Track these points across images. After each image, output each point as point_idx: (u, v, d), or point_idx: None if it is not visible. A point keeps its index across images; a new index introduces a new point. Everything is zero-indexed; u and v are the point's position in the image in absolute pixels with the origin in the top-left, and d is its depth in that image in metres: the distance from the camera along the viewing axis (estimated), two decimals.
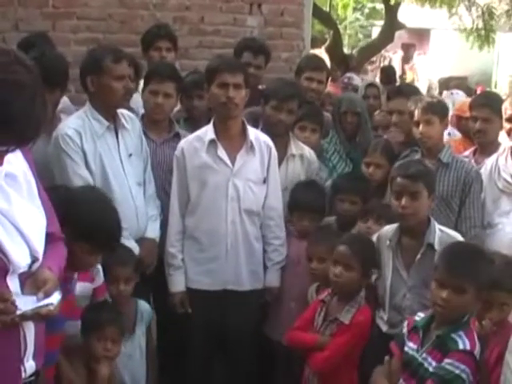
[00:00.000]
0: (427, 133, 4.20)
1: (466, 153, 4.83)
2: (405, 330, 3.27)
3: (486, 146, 4.67)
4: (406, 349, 3.20)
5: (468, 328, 3.07)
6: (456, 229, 3.96)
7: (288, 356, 4.01)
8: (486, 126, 4.61)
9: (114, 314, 3.59)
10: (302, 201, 4.23)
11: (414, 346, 3.16)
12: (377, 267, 3.81)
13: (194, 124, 4.67)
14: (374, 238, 3.86)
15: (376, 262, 3.79)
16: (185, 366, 4.24)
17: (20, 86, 2.16)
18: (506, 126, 4.29)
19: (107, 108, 4.02)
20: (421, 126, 4.21)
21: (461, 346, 2.98)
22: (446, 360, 2.97)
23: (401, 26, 15.27)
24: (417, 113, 4.25)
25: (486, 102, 4.68)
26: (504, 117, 4.32)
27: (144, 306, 3.99)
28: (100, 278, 3.70)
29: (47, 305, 2.32)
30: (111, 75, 3.95)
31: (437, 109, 4.25)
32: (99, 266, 3.70)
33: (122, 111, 4.13)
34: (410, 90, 5.08)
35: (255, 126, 4.38)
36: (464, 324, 3.07)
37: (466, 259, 3.10)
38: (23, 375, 2.43)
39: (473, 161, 4.61)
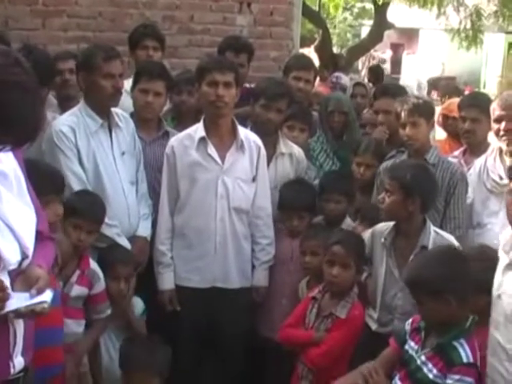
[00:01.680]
0: (414, 135, 4.17)
1: (456, 153, 4.82)
2: (408, 328, 3.22)
3: (475, 147, 4.67)
4: (406, 347, 3.17)
5: (470, 333, 3.01)
6: (441, 229, 3.94)
7: (279, 352, 4.00)
8: (475, 127, 4.62)
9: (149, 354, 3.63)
10: (290, 200, 4.23)
11: (415, 347, 3.12)
12: (367, 264, 3.83)
13: (180, 122, 4.69)
14: (368, 234, 3.88)
15: (366, 259, 3.81)
16: (174, 363, 4.24)
17: (20, 87, 2.16)
18: (495, 126, 4.28)
19: (99, 105, 4.02)
20: (407, 129, 4.18)
21: (464, 360, 2.93)
22: (454, 376, 2.91)
23: (390, 26, 15.30)
24: (403, 115, 4.21)
25: (475, 103, 4.68)
26: (492, 117, 4.28)
27: (135, 299, 4.01)
28: (99, 287, 3.71)
29: (41, 302, 2.33)
30: (100, 73, 3.95)
31: (423, 110, 4.21)
32: (101, 275, 3.71)
33: (115, 110, 4.13)
34: (396, 90, 5.08)
35: (243, 126, 4.38)
36: (467, 330, 3.01)
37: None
38: (12, 371, 2.42)
39: (462, 161, 4.61)
